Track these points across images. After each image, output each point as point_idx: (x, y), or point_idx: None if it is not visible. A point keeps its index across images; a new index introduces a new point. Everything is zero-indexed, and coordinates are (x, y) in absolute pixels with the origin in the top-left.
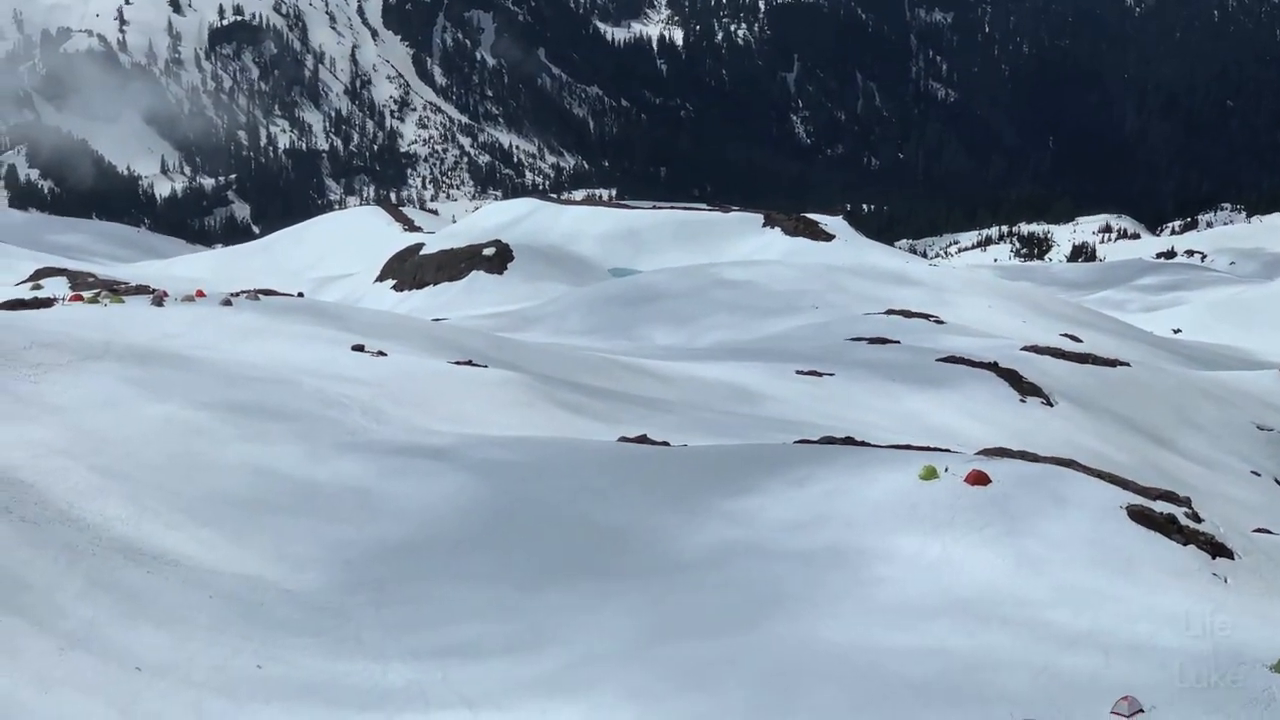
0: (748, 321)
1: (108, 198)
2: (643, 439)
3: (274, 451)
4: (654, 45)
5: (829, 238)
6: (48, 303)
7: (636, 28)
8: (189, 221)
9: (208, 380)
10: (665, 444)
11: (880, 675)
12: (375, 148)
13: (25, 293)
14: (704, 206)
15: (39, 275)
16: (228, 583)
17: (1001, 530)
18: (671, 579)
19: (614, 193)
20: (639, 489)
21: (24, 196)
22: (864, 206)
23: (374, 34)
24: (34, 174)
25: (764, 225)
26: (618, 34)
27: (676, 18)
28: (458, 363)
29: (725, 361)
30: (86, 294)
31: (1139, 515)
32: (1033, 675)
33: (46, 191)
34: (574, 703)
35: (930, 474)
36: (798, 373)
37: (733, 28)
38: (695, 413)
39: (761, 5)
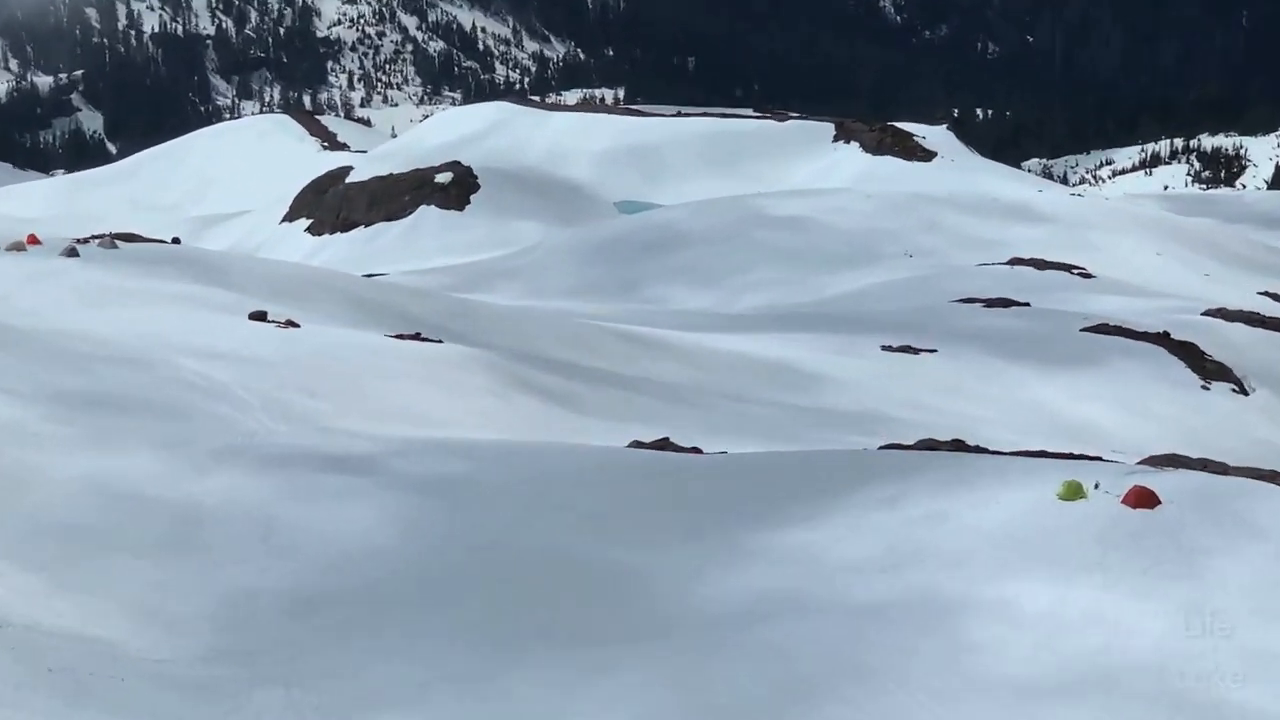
0: (805, 275)
1: None
2: (663, 444)
3: (135, 464)
4: None
5: (927, 156)
6: None
7: None
8: (17, 137)
9: (40, 362)
10: (694, 450)
11: None
12: (281, 32)
13: None
14: (750, 113)
15: None
16: (70, 652)
17: (1174, 572)
18: (695, 645)
19: (621, 94)
20: (654, 516)
21: None
22: (977, 112)
23: None
24: None
25: (835, 139)
26: None
27: None
28: (399, 336)
29: (775, 332)
30: None
31: None
32: None
33: None
34: None
35: (1074, 492)
36: (883, 348)
37: None
38: (734, 405)
39: None
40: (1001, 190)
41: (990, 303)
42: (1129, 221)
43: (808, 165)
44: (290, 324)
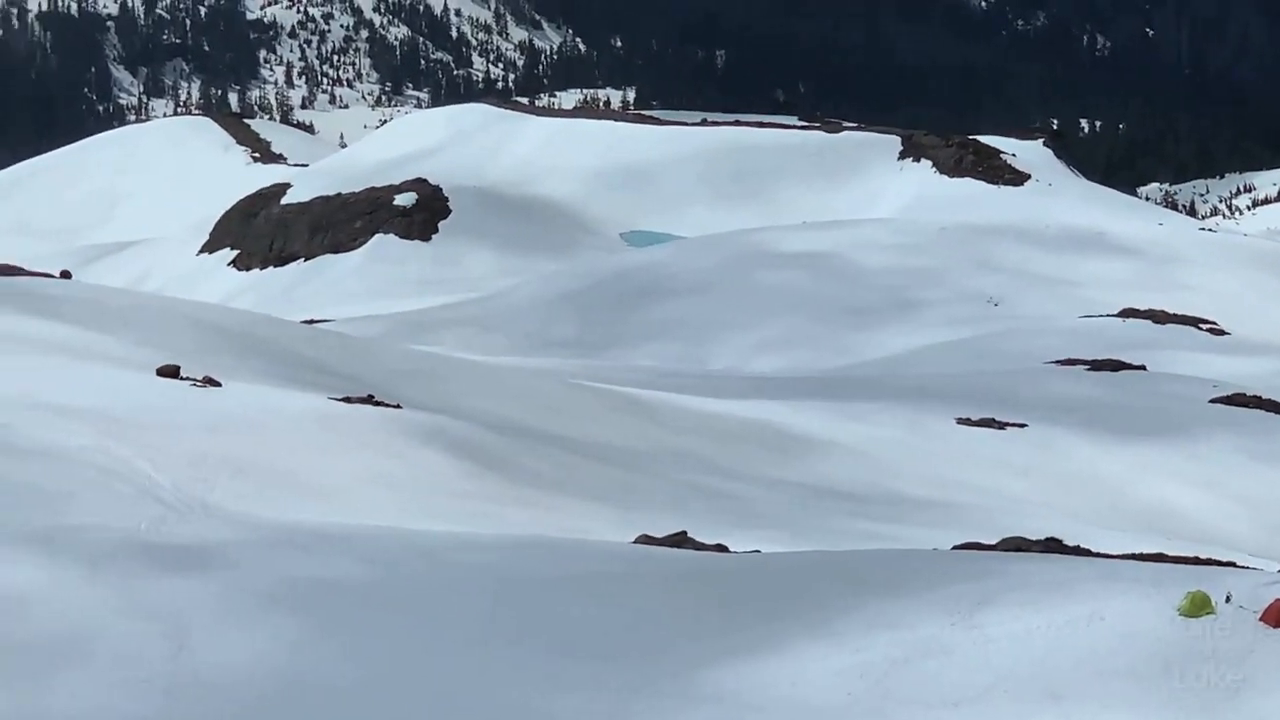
0: (824, 330)
1: None
2: (680, 539)
3: (2, 578)
4: None
5: (1018, 179)
6: None
7: None
8: None
9: None
10: (719, 548)
11: None
12: (202, 12)
13: None
14: (795, 121)
15: None
16: None
17: None
18: None
19: (631, 96)
20: (667, 634)
21: None
22: (1081, 124)
23: None
24: None
25: (902, 155)
26: None
27: None
28: (347, 399)
29: (802, 400)
30: None
31: None
32: None
33: None
34: None
35: (1200, 605)
36: (958, 421)
37: None
38: (768, 492)
39: None
40: (1111, 223)
41: (1096, 364)
42: (1241, 256)
43: (867, 187)
44: (210, 382)
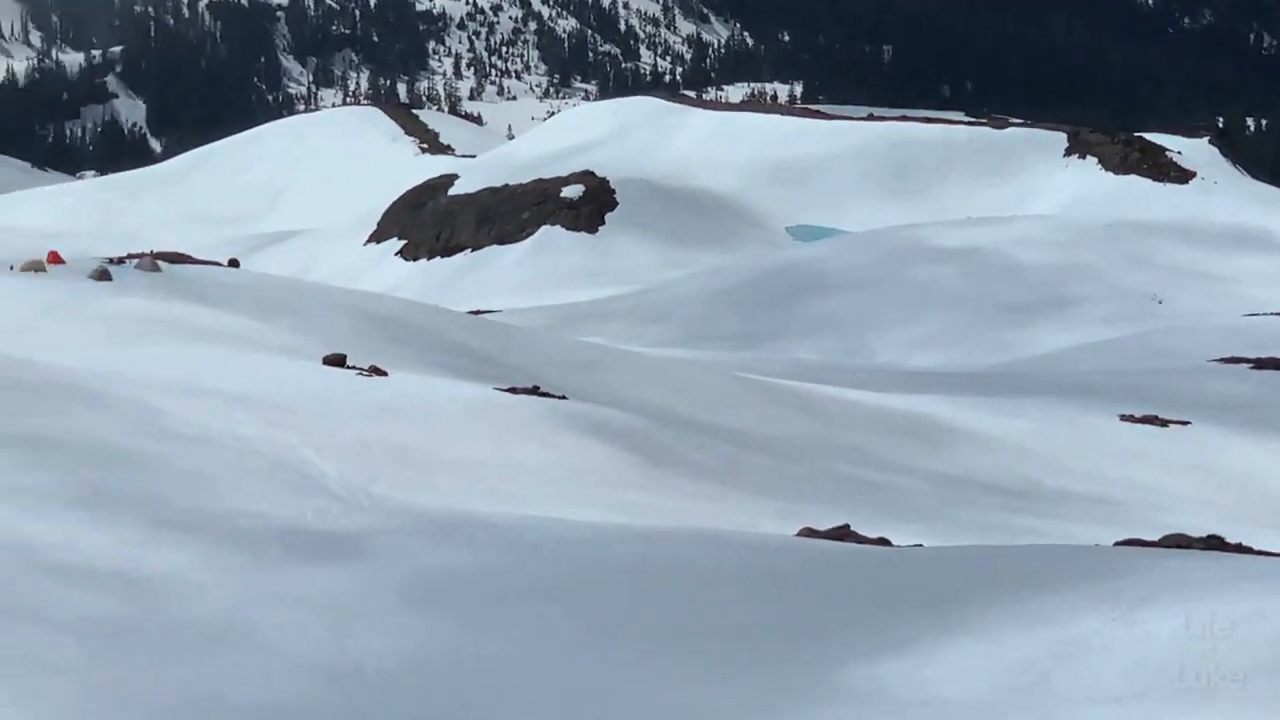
0: (981, 326)
1: None
2: (843, 532)
3: (160, 557)
4: None
5: (1183, 176)
6: None
7: None
8: (37, 129)
9: (52, 414)
10: (881, 541)
11: None
12: (372, 4)
13: None
14: (961, 117)
15: None
16: None
17: None
18: None
19: (798, 90)
20: (825, 628)
21: None
22: (1248, 122)
23: None
24: None
25: (1067, 152)
26: None
27: None
28: (513, 390)
29: (966, 395)
30: None
31: None
32: None
33: None
34: None
35: None
36: (1121, 419)
37: None
38: (932, 487)
39: None
40: (1276, 222)
41: (1260, 363)
42: None
43: (1030, 183)
44: (376, 371)
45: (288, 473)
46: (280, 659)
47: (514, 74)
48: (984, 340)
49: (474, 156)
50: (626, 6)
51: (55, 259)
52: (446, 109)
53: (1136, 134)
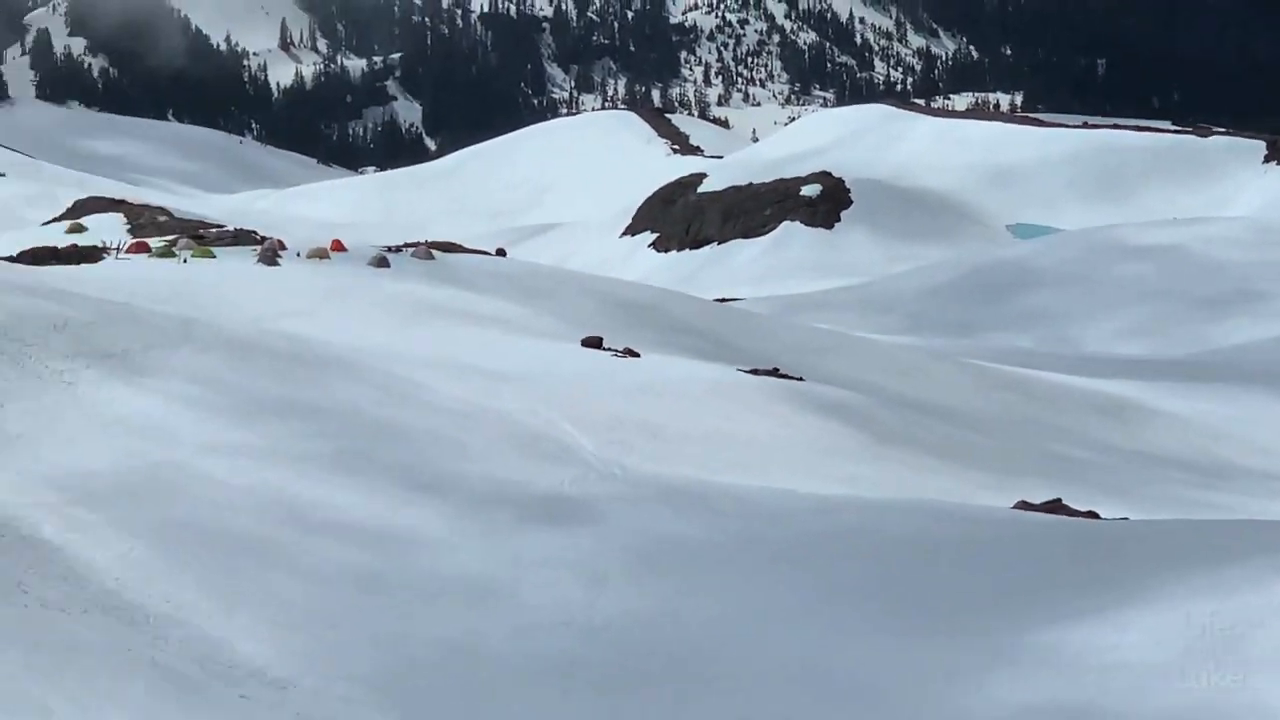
0: (1178, 319)
1: (194, 87)
2: (1055, 506)
3: (422, 516)
4: None
5: None
6: (94, 254)
7: None
8: (323, 128)
9: (339, 388)
10: (1090, 514)
11: None
12: (629, 16)
13: (59, 236)
14: (1168, 126)
15: (81, 209)
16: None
17: None
18: None
19: (1018, 100)
20: (1030, 594)
21: (61, 81)
22: None
23: None
24: (77, 45)
25: (1266, 159)
26: None
27: None
28: (754, 371)
29: (1162, 380)
30: (155, 242)
31: None
32: None
33: (97, 74)
34: None
35: None
36: None
37: None
38: (1139, 468)
39: None
40: None
41: None
42: None
43: (1227, 188)
44: (629, 353)
45: (548, 444)
46: (534, 614)
47: (758, 82)
48: (1181, 332)
49: (721, 157)
50: (862, 21)
51: (338, 247)
52: (696, 113)
53: None
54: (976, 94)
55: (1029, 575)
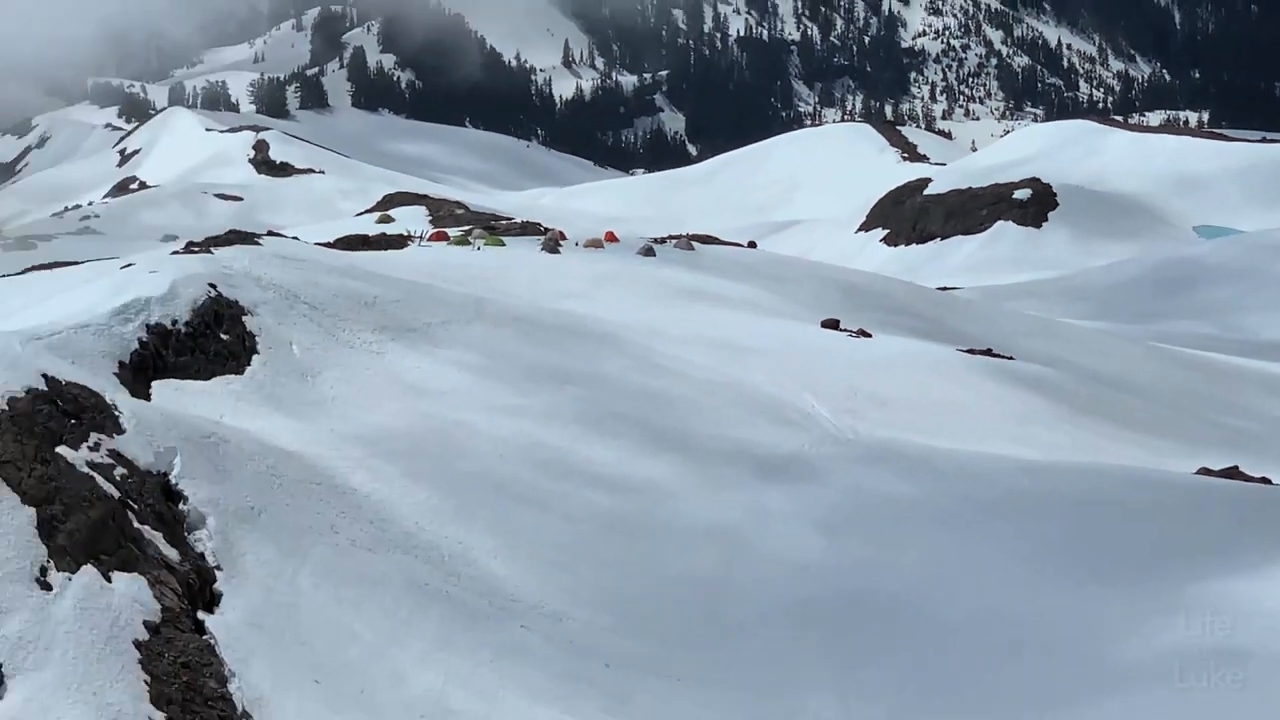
0: None
1: (488, 98)
2: (1232, 472)
3: (654, 467)
4: None
5: None
6: (400, 241)
7: None
8: (599, 135)
9: (618, 371)
10: (1264, 480)
11: None
12: (866, 40)
13: (371, 226)
14: None
15: (389, 202)
16: (627, 652)
17: None
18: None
19: (1205, 117)
20: (1199, 550)
21: (374, 91)
22: None
23: None
24: (388, 61)
25: None
26: None
27: None
28: (970, 351)
29: None
30: (453, 232)
31: None
32: None
33: (404, 86)
34: None
35: None
36: None
37: None
38: None
39: None
40: None
41: None
42: None
43: None
44: (862, 333)
45: (790, 411)
46: (774, 559)
47: (977, 99)
48: None
49: (944, 164)
50: (1069, 47)
51: (611, 238)
52: (923, 126)
53: None
54: (1168, 112)
55: (1207, 534)
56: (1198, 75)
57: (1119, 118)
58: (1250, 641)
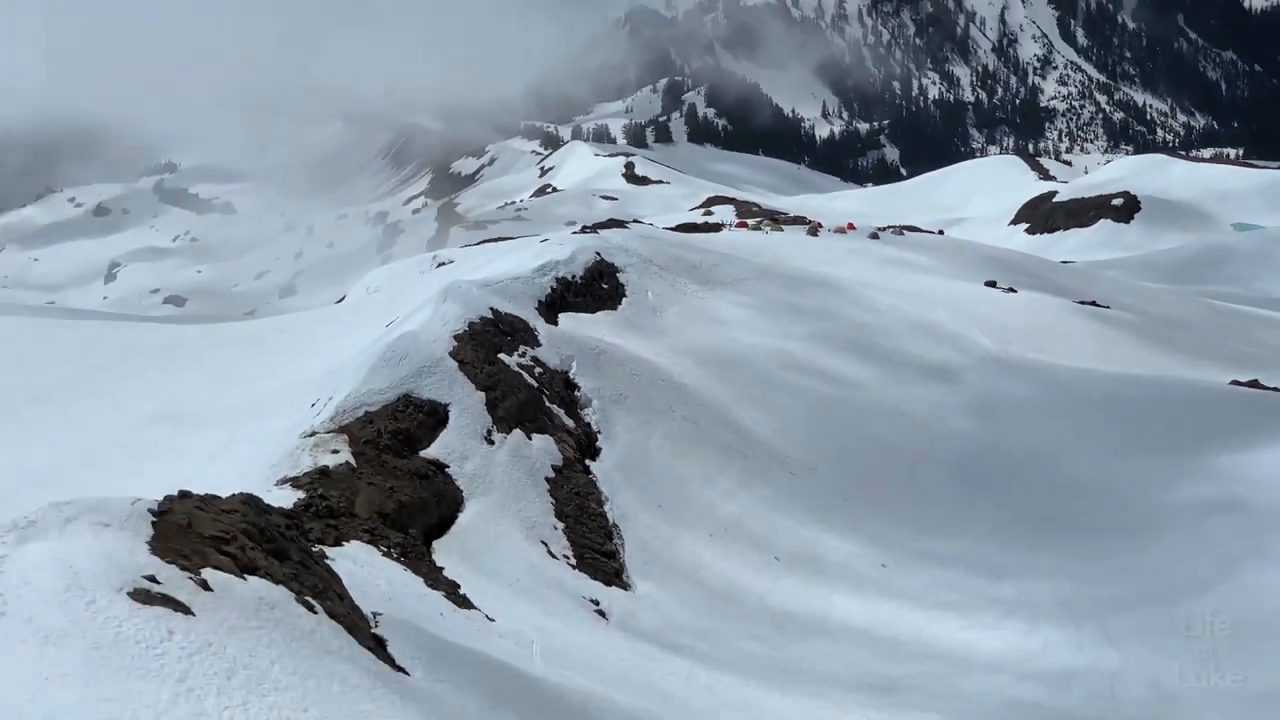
0: None
1: (773, 137)
2: (1254, 383)
3: (847, 367)
4: None
5: None
6: (716, 227)
7: None
8: (843, 161)
9: (842, 303)
10: (1276, 390)
11: None
12: (1017, 102)
13: (698, 217)
14: None
15: (710, 202)
16: (853, 493)
17: None
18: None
19: (1240, 152)
20: (1209, 437)
21: (700, 132)
22: None
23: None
24: (710, 112)
25: None
26: (1256, 2)
27: None
28: (1080, 302)
29: None
30: (750, 221)
31: None
32: None
33: (720, 129)
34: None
35: None
36: None
37: None
38: None
39: None
40: None
41: None
42: None
43: None
44: (1011, 290)
45: (963, 342)
46: (933, 431)
47: (1090, 140)
48: None
49: (1066, 182)
50: (1150, 106)
51: (851, 227)
52: (1053, 158)
53: None
54: (1215, 148)
55: (1228, 425)
56: (1236, 125)
57: (1182, 153)
58: (1245, 497)
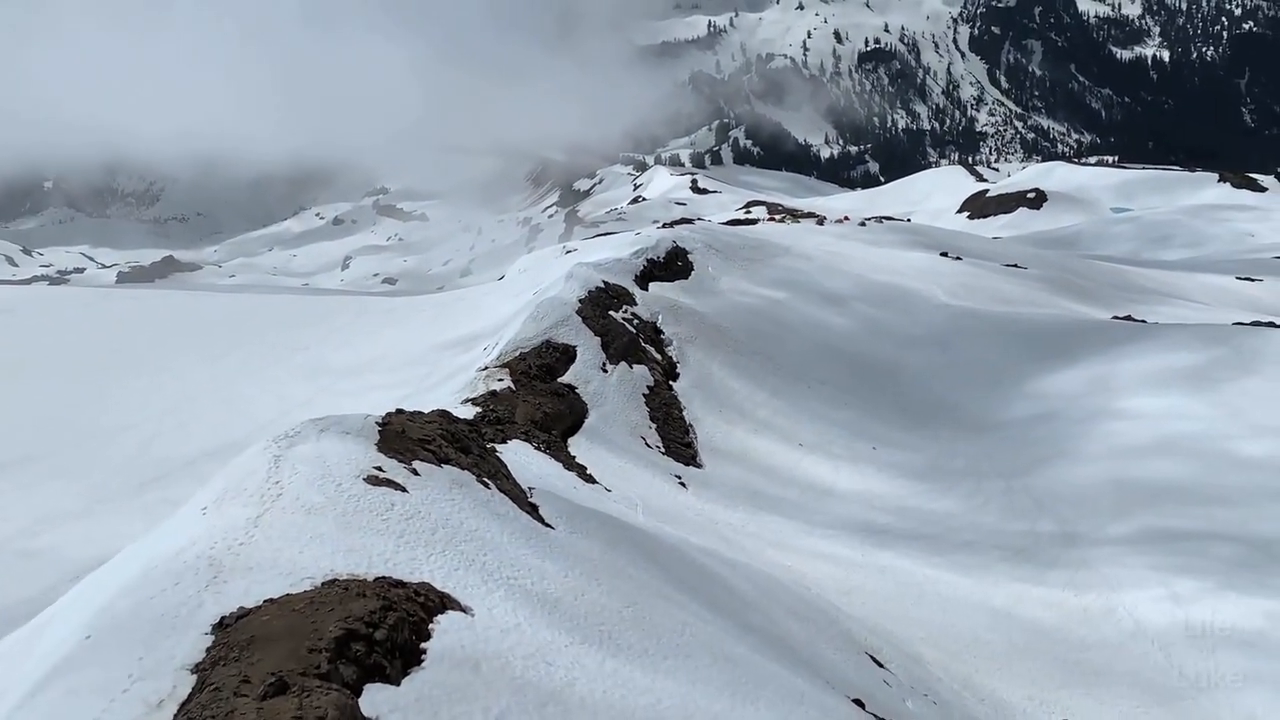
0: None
1: (792, 158)
2: (1128, 318)
3: (840, 321)
4: (1148, 61)
5: (1262, 190)
6: (753, 221)
7: (1137, 49)
8: (840, 174)
9: (841, 275)
10: (1128, 319)
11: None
12: (960, 129)
13: (741, 215)
14: (1177, 169)
15: (749, 205)
16: (850, 396)
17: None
18: (995, 434)
19: (1116, 159)
20: (1032, 362)
21: (741, 157)
22: None
23: (962, 55)
24: (749, 143)
25: (1219, 181)
26: (1124, 54)
27: (1165, 43)
28: (1007, 265)
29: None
30: (777, 216)
31: None
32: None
33: (755, 154)
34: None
35: None
36: None
37: (1204, 49)
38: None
39: (1224, 34)
40: None
41: None
42: None
43: (1204, 194)
44: (958, 258)
45: (917, 288)
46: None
47: (1010, 154)
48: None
49: (994, 183)
50: (1051, 129)
51: (846, 218)
52: (986, 167)
53: (1245, 173)
54: (1099, 156)
55: (1090, 347)
56: (1112, 140)
57: (1075, 160)
58: (1052, 410)
